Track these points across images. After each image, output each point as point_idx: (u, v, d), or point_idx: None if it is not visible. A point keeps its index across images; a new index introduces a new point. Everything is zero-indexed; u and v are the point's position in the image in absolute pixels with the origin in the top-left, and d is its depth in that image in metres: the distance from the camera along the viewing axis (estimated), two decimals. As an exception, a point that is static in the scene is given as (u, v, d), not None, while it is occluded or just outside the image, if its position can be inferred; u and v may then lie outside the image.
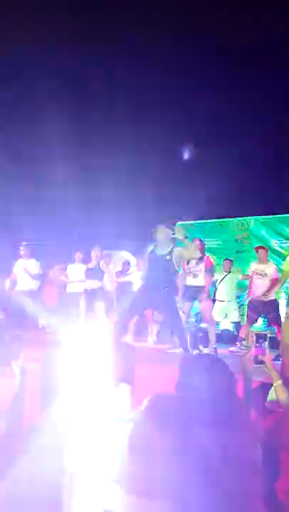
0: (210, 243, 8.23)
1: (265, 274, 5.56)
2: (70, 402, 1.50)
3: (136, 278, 6.13)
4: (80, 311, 6.10)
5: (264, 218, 7.94)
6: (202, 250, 5.39)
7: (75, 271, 6.45)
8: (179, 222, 8.59)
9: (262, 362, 1.71)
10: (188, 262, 5.38)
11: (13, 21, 7.44)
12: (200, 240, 5.67)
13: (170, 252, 4.17)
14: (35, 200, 8.45)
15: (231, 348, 5.87)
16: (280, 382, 1.68)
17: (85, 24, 7.98)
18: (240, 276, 6.52)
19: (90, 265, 6.06)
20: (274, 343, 4.52)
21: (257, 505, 1.24)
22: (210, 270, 5.56)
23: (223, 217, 8.31)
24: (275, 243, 7.70)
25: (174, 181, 11.09)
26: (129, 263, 7.67)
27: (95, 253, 5.96)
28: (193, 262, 5.33)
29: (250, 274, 5.96)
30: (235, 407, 1.46)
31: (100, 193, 8.49)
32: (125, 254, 9.30)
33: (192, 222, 8.62)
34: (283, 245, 7.62)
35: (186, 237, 4.54)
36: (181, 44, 8.35)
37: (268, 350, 1.74)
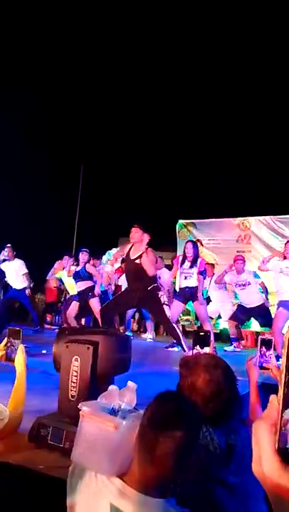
0: (211, 242, 8.25)
1: (249, 283, 5.60)
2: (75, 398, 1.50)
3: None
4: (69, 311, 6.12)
5: (265, 218, 7.95)
6: (195, 253, 5.37)
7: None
8: (180, 221, 8.66)
9: (267, 368, 1.69)
10: (182, 264, 5.39)
11: None
12: (192, 242, 5.65)
13: (139, 257, 4.21)
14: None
15: (226, 348, 5.88)
16: None
17: None
18: None
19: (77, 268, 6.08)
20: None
21: (257, 502, 1.24)
22: (203, 272, 5.56)
23: (225, 217, 8.31)
24: (275, 243, 7.72)
25: (175, 180, 11.13)
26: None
27: (81, 256, 6.00)
28: (187, 264, 5.34)
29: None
30: (238, 406, 1.47)
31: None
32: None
33: (194, 221, 8.62)
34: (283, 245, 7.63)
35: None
36: None
37: (273, 356, 1.72)
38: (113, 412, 1.12)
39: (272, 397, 0.46)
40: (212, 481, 1.17)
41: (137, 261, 4.17)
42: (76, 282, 6.03)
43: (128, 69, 11.35)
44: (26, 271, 6.20)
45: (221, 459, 1.17)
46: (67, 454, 1.35)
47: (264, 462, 0.45)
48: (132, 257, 4.22)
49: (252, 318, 6.16)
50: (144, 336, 6.86)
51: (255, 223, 7.99)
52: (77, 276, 6.00)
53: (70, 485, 1.05)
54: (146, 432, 0.97)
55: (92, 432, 1.05)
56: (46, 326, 6.94)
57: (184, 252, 5.47)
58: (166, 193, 10.84)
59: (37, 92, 11.11)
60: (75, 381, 1.67)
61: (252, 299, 5.66)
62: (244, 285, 5.63)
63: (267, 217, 7.91)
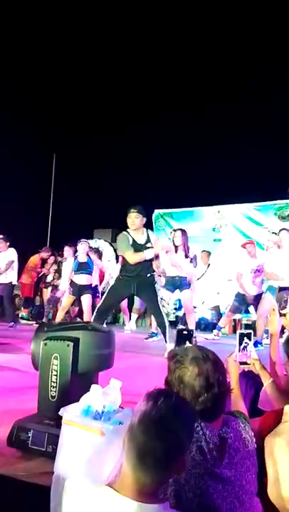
0: (188, 231, 8.23)
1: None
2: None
3: (114, 267, 6.02)
4: (63, 305, 5.93)
5: (241, 207, 7.99)
6: (185, 241, 5.30)
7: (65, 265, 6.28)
8: (158, 211, 8.58)
9: (247, 363, 1.63)
10: None
11: None
12: (182, 230, 5.54)
13: (148, 240, 4.09)
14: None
15: (206, 336, 5.90)
16: (270, 381, 1.61)
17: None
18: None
19: (80, 259, 5.83)
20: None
21: (251, 495, 1.22)
22: (193, 260, 5.48)
23: (201, 206, 8.31)
24: (251, 231, 7.78)
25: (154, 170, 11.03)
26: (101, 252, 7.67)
27: (82, 247, 5.75)
28: (180, 254, 5.24)
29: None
30: (229, 399, 1.42)
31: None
32: (100, 243, 9.21)
33: (171, 210, 8.58)
34: (260, 233, 7.72)
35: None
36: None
37: (253, 350, 1.65)
38: (97, 415, 1.05)
39: (287, 408, 0.38)
40: (205, 476, 1.12)
41: (148, 245, 4.02)
42: (78, 274, 5.69)
43: (97, 56, 11.09)
44: (12, 259, 5.97)
45: (213, 454, 1.12)
46: (50, 459, 1.28)
47: (283, 484, 0.37)
48: (142, 243, 4.03)
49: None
50: (124, 327, 6.81)
51: (232, 212, 8.02)
52: (82, 268, 5.69)
53: (54, 497, 0.98)
54: (137, 435, 0.90)
55: (76, 440, 0.97)
56: (22, 322, 6.75)
57: (173, 241, 5.34)
58: (142, 183, 10.74)
59: (11, 80, 10.70)
60: (55, 380, 1.58)
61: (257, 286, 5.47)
62: (258, 271, 5.37)
63: (243, 205, 7.96)
